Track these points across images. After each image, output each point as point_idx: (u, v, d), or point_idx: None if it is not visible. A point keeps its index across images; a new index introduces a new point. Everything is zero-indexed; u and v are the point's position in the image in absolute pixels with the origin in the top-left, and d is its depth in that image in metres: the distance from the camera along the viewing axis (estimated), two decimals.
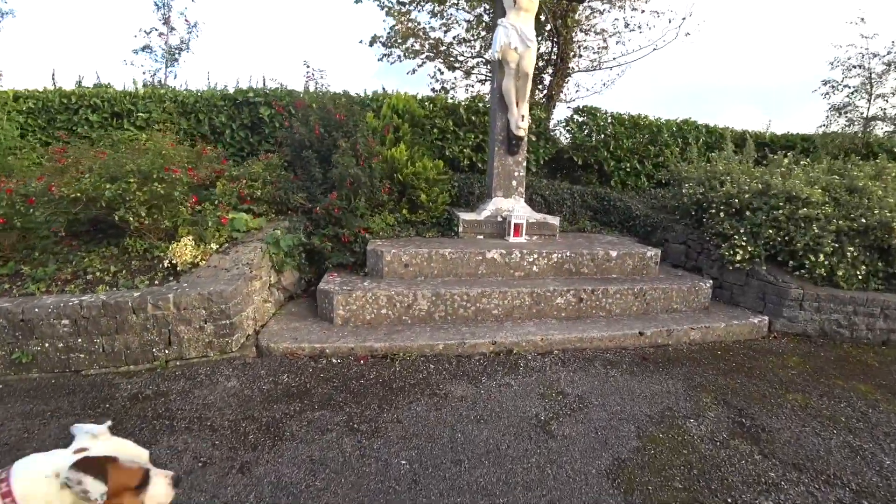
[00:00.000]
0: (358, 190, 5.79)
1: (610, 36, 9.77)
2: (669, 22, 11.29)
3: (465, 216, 5.94)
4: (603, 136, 8.50)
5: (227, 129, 7.84)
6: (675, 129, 9.14)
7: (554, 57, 9.27)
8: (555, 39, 9.23)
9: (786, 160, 6.34)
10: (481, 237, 5.96)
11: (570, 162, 8.47)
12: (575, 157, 8.31)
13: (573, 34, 9.35)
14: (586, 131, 8.58)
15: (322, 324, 4.65)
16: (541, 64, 9.51)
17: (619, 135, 8.45)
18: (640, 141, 8.58)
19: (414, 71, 10.38)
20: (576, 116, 8.63)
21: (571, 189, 7.63)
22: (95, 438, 1.43)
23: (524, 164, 6.09)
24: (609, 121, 8.63)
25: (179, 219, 5.26)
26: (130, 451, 1.46)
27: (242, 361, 4.11)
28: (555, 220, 6.06)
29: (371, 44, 9.58)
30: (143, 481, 1.41)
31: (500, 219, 5.93)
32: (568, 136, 8.61)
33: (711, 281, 5.55)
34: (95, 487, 1.28)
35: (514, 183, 6.08)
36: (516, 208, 5.95)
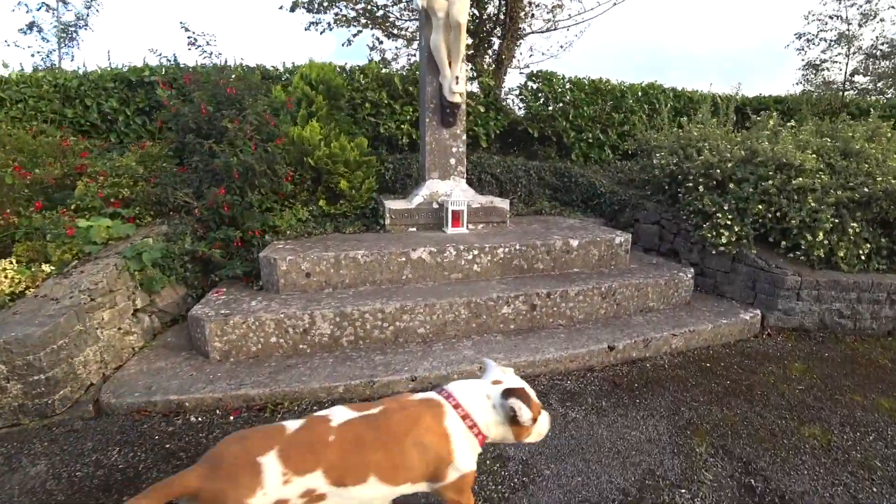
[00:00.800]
0: (254, 181, 4.54)
1: None
2: None
3: (393, 204, 4.74)
4: (561, 103, 7.35)
5: (121, 116, 6.41)
6: (640, 93, 8.05)
7: (503, 17, 8.00)
8: None
9: (771, 122, 5.30)
10: (414, 229, 4.79)
11: (525, 135, 7.31)
12: (530, 128, 7.15)
13: None
14: (542, 99, 7.41)
15: (195, 360, 3.43)
16: (489, 26, 8.25)
17: (579, 102, 7.31)
18: (603, 108, 7.46)
19: (349, 42, 8.99)
20: (530, 83, 7.45)
21: (527, 165, 6.49)
22: (504, 374, 1.82)
23: (464, 137, 4.90)
24: (567, 87, 7.48)
25: (13, 232, 3.96)
26: (530, 389, 1.76)
27: (68, 428, 2.88)
28: (504, 204, 4.91)
29: (293, 9, 8.12)
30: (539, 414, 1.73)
31: (435, 206, 4.75)
32: (522, 105, 7.44)
33: (692, 269, 4.51)
34: (525, 413, 1.64)
35: (452, 161, 4.89)
36: (455, 192, 4.78)
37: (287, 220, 4.82)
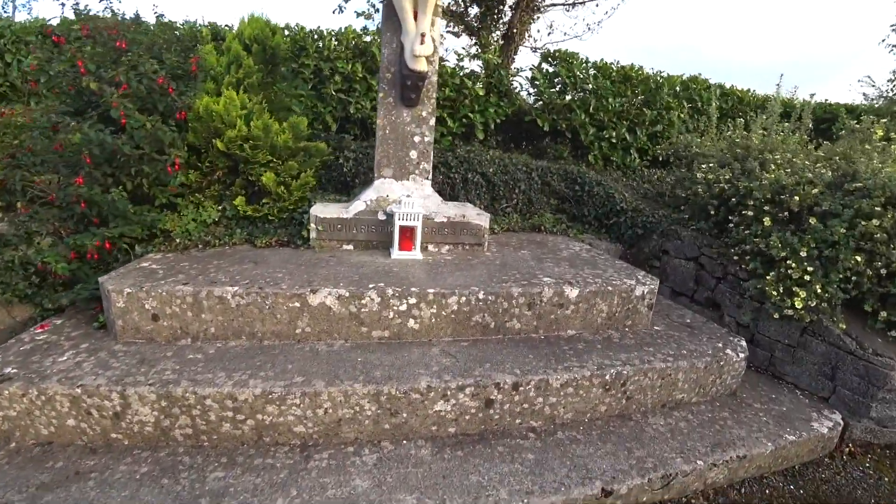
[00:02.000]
0: (129, 167, 3.17)
1: None
2: None
3: (322, 211, 3.29)
4: (581, 92, 5.75)
5: (43, 77, 5.09)
6: (679, 88, 6.38)
7: None
8: None
9: (879, 132, 3.63)
10: (349, 248, 3.33)
11: (532, 128, 5.75)
12: (540, 120, 5.58)
13: None
14: (558, 86, 5.82)
15: None
16: None
17: (604, 91, 5.69)
18: (632, 101, 5.83)
19: (341, 9, 7.47)
20: (544, 65, 5.85)
21: (529, 165, 4.94)
22: None
23: (432, 122, 3.39)
24: (590, 72, 5.86)
25: None
26: None
27: None
28: (480, 219, 3.41)
29: None
30: None
31: (382, 216, 3.28)
32: (532, 91, 5.86)
33: (743, 341, 2.95)
34: None
35: (412, 155, 3.40)
36: (413, 198, 3.30)
37: (183, 223, 3.43)
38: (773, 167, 3.47)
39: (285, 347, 2.50)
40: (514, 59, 6.22)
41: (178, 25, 4.94)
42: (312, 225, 3.27)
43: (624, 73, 5.98)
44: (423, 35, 3.03)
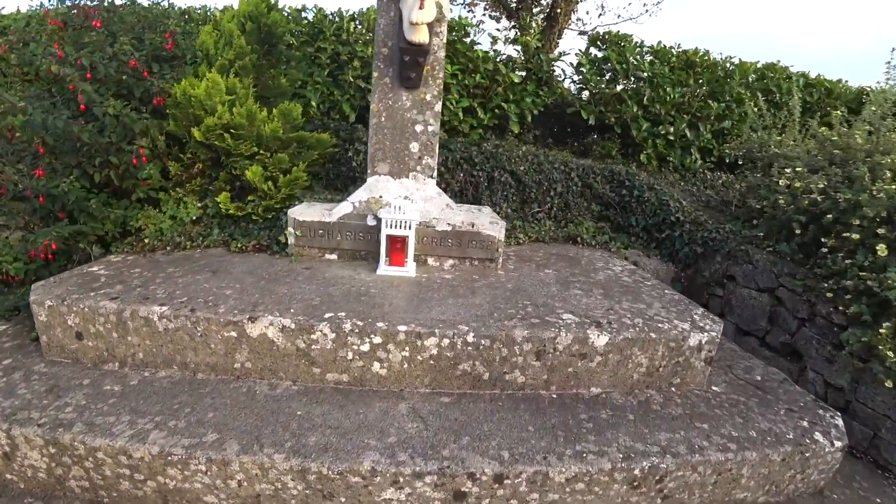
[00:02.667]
0: (94, 158, 2.75)
1: None
2: None
3: (302, 213, 2.71)
4: (634, 80, 4.87)
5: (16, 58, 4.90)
6: (753, 76, 5.32)
7: None
8: None
9: None
10: (333, 257, 2.74)
11: (575, 120, 4.94)
12: (585, 112, 4.76)
13: None
14: (608, 73, 4.97)
15: None
16: None
17: (661, 80, 4.77)
18: (695, 92, 4.87)
19: None
20: (592, 49, 5.01)
21: (568, 165, 4.16)
22: None
23: (437, 108, 2.72)
24: (646, 57, 4.96)
25: None
26: None
27: None
28: (493, 229, 2.71)
29: None
30: None
31: (373, 221, 2.66)
32: (577, 79, 5.04)
33: (840, 421, 2.10)
34: None
35: (413, 148, 2.75)
36: (413, 199, 2.67)
37: (158, 221, 2.98)
38: (890, 175, 2.54)
39: (219, 385, 1.95)
40: (557, 43, 5.41)
41: (172, 6, 4.51)
42: (290, 229, 2.70)
43: (686, 59, 5.02)
44: (423, 2, 2.37)
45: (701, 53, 5.06)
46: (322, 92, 4.53)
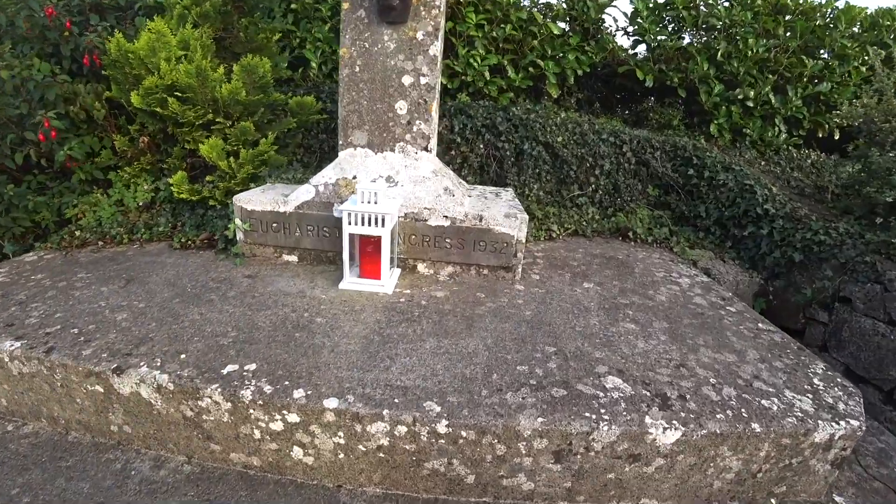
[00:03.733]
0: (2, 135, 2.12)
1: None
2: None
3: (252, 202, 1.98)
4: (704, 31, 3.79)
5: None
6: (861, 25, 4.08)
7: None
8: None
9: None
10: (292, 259, 2.02)
11: (628, 81, 3.94)
12: (640, 71, 3.74)
13: None
14: (671, 23, 3.91)
15: None
16: None
17: (740, 29, 3.67)
18: (785, 45, 3.74)
19: None
20: None
21: (619, 136, 3.21)
22: None
23: (434, 50, 1.87)
24: (722, 0, 3.85)
25: None
26: None
27: None
28: (510, 225, 1.88)
29: None
30: None
31: (340, 214, 1.91)
32: (632, 31, 4.00)
33: None
34: None
35: (400, 107, 1.95)
36: (400, 181, 1.90)
37: (98, 210, 2.35)
38: None
39: (90, 453, 1.30)
40: None
41: None
42: (237, 220, 1.99)
43: (775, 2, 3.86)
44: None
45: None
46: (323, 50, 3.74)
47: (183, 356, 1.29)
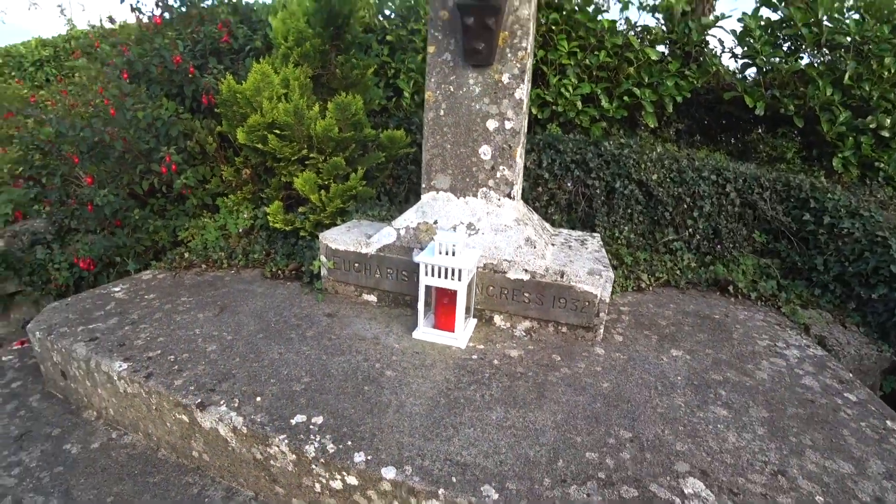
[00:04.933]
0: (127, 166, 2.43)
1: None
2: None
3: (337, 240, 2.05)
4: (827, 50, 3.33)
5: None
6: None
7: None
8: None
9: None
10: (371, 299, 2.06)
11: (735, 109, 3.57)
12: (750, 98, 3.37)
13: None
14: (787, 42, 3.49)
15: None
16: None
17: (874, 46, 3.17)
18: None
19: None
20: (765, 9, 3.54)
21: (722, 173, 2.91)
22: None
23: (520, 93, 1.80)
24: (847, 14, 3.36)
25: None
26: None
27: None
28: (592, 283, 1.75)
29: None
30: None
31: (419, 261, 1.91)
32: (740, 52, 3.62)
33: None
34: None
35: (483, 152, 1.91)
36: (481, 229, 1.87)
37: (205, 233, 2.60)
38: None
39: (172, 475, 1.41)
40: (712, 5, 3.99)
41: None
42: (322, 257, 2.08)
43: None
44: None
45: None
46: (416, 80, 3.83)
47: (258, 399, 1.35)
